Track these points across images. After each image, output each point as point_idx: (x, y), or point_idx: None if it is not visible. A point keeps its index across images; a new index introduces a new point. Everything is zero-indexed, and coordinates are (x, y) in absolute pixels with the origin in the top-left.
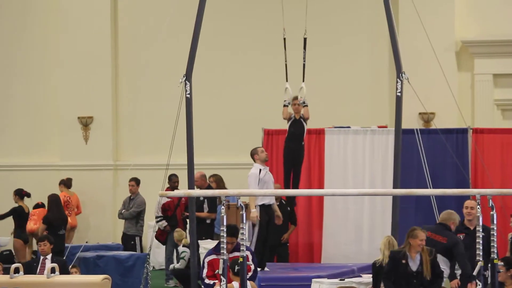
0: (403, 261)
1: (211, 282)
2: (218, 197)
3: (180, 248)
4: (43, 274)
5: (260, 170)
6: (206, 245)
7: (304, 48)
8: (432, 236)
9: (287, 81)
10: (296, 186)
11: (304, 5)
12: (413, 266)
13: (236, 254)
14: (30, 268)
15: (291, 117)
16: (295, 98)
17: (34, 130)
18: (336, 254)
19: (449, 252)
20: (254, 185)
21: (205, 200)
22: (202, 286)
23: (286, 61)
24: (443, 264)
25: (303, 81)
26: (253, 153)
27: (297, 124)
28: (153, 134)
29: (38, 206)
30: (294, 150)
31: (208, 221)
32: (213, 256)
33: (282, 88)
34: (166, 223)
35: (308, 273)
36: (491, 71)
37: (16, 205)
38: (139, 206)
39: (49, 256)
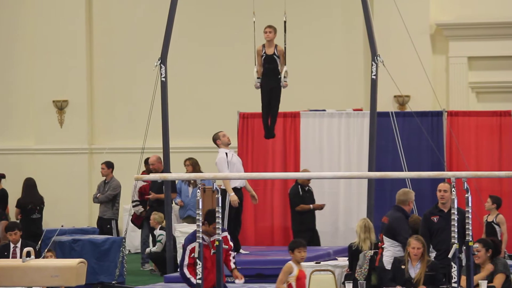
0: (403, 266)
1: (192, 277)
2: (194, 181)
3: (157, 231)
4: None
5: (226, 153)
6: (182, 228)
7: (285, 31)
8: (383, 219)
9: (255, 65)
10: (273, 126)
11: None
12: (412, 273)
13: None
14: (1, 255)
15: (263, 54)
16: (267, 26)
17: (9, 113)
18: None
19: (393, 230)
20: (225, 169)
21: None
22: (180, 275)
23: (255, 45)
24: (389, 246)
25: (285, 64)
26: (215, 138)
27: (270, 59)
28: (128, 118)
29: None
30: (269, 82)
31: None
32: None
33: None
34: (142, 209)
35: (284, 256)
36: (465, 54)
37: None
38: (115, 189)
39: (18, 244)
